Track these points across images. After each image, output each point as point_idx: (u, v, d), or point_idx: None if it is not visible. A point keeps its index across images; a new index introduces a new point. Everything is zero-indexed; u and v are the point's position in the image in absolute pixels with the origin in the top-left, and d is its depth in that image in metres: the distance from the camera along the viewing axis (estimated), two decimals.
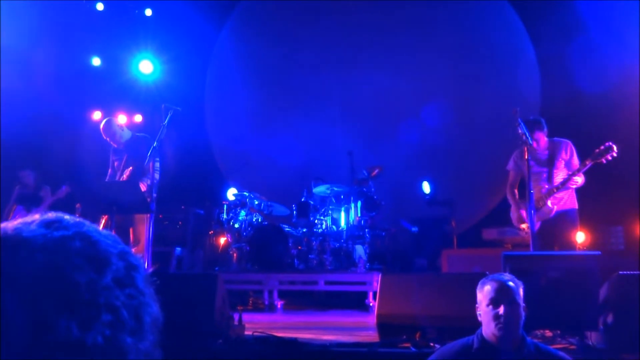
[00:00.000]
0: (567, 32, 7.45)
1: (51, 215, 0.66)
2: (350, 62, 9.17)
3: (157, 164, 5.40)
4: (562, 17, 7.53)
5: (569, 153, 5.14)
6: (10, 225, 0.63)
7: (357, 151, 7.59)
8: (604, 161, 4.75)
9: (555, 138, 5.23)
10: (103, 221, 5.13)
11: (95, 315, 0.59)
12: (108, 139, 5.60)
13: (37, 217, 0.66)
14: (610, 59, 6.92)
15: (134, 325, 0.62)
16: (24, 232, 0.62)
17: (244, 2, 9.60)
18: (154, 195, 5.22)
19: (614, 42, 6.99)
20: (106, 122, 5.67)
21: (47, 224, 0.64)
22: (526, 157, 4.79)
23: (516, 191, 5.42)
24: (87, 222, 0.67)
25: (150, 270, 4.93)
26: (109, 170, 5.67)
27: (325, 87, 9.18)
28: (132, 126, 8.82)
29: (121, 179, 5.32)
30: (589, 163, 4.81)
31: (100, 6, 8.49)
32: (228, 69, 9.65)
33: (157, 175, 5.38)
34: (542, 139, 5.13)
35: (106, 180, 5.55)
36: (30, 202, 6.66)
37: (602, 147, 4.73)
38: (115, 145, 5.57)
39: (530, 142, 4.83)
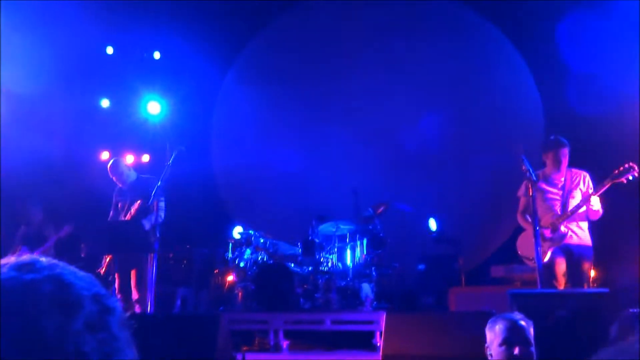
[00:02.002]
0: (565, 59, 7.50)
1: (25, 257, 0.65)
2: (353, 99, 9.28)
3: (162, 204, 5.45)
4: (559, 45, 7.59)
5: (586, 185, 5.06)
6: None
7: (362, 188, 7.59)
8: (625, 181, 4.67)
9: (574, 168, 5.18)
10: (107, 260, 5.13)
11: None
12: (115, 178, 5.67)
13: (11, 259, 0.65)
14: (610, 84, 6.92)
15: None
16: None
17: (250, 45, 9.81)
18: (158, 235, 5.25)
19: (614, 68, 6.99)
20: (114, 162, 5.75)
21: (19, 267, 0.63)
22: (530, 193, 4.76)
23: (528, 217, 5.29)
24: (62, 264, 0.66)
25: (135, 312, 4.90)
26: (111, 212, 5.71)
27: (329, 125, 9.27)
28: (139, 166, 8.92)
29: (126, 218, 5.35)
30: (607, 183, 4.72)
31: (110, 50, 8.71)
32: (234, 108, 9.79)
33: (162, 215, 5.43)
34: (565, 159, 5.03)
35: (108, 220, 5.58)
36: (35, 242, 6.68)
37: (622, 168, 4.67)
38: (121, 185, 5.62)
39: (535, 178, 4.81)
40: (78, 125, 8.25)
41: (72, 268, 0.66)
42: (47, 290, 0.61)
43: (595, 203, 4.81)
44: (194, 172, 8.55)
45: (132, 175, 5.74)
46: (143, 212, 5.37)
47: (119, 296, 5.25)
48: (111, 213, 5.70)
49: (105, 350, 0.61)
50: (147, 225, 5.32)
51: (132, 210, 5.31)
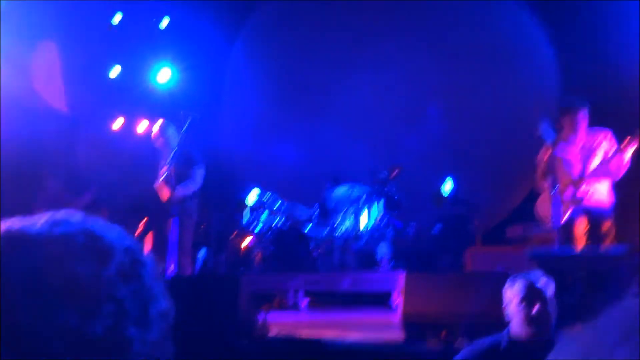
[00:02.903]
0: (587, 24, 7.32)
1: (59, 214, 0.67)
2: (367, 62, 9.14)
3: (200, 171, 5.54)
4: (582, 11, 7.40)
5: (609, 142, 4.99)
6: (16, 222, 0.64)
7: (377, 150, 7.56)
8: None
9: (595, 127, 5.08)
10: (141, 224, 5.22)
11: (96, 305, 0.59)
12: (159, 142, 5.67)
13: (45, 216, 0.66)
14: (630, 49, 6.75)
15: (138, 316, 0.62)
16: (27, 229, 0.63)
17: (258, 11, 9.67)
18: (195, 201, 5.39)
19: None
20: (161, 125, 5.75)
21: (52, 223, 0.64)
22: (549, 155, 4.70)
23: (546, 180, 5.19)
24: (95, 220, 0.67)
25: (173, 272, 4.99)
26: (155, 177, 5.70)
27: (342, 87, 9.17)
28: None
29: (161, 183, 5.39)
30: (629, 140, 4.63)
31: (118, 17, 8.62)
32: (244, 73, 9.71)
33: (198, 182, 5.51)
34: (584, 121, 4.92)
35: (155, 186, 5.61)
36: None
37: None
38: (162, 150, 5.59)
39: (553, 140, 4.74)
40: (90, 94, 8.25)
41: (104, 222, 0.67)
42: (81, 241, 0.62)
43: (626, 157, 4.69)
44: (209, 137, 8.56)
45: (175, 142, 5.77)
46: (179, 178, 5.44)
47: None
48: (158, 180, 5.69)
49: (139, 297, 0.63)
50: (181, 191, 5.42)
51: (163, 175, 5.34)
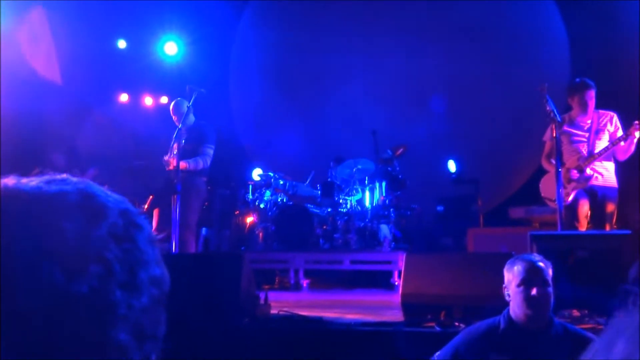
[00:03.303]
0: (597, 11, 7.22)
1: (63, 175, 0.65)
2: (373, 41, 9.05)
3: (210, 150, 5.55)
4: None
5: (614, 125, 4.96)
6: (12, 180, 0.63)
7: (381, 130, 7.53)
8: None
9: (601, 109, 5.06)
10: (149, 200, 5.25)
11: (83, 264, 0.57)
12: (175, 118, 5.66)
13: (45, 176, 0.65)
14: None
15: (126, 279, 0.60)
16: (23, 185, 0.62)
17: None
18: (204, 179, 5.47)
19: None
20: (176, 102, 5.74)
21: (49, 181, 0.63)
22: (554, 134, 4.67)
23: (553, 161, 5.19)
24: (93, 183, 0.65)
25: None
26: (168, 153, 5.70)
27: (348, 67, 9.10)
28: (158, 107, 8.93)
29: (171, 161, 5.40)
30: (637, 124, 4.59)
31: None
32: (251, 49, 9.63)
33: (208, 160, 5.55)
34: (592, 101, 4.93)
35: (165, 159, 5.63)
36: None
37: None
38: (180, 126, 5.58)
39: (559, 118, 4.71)
40: (95, 67, 8.21)
41: (100, 187, 0.66)
42: (74, 199, 0.61)
43: (635, 140, 4.67)
44: (213, 114, 8.54)
45: (191, 119, 5.75)
46: (190, 154, 5.44)
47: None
48: (168, 154, 5.70)
49: (129, 260, 0.61)
50: (191, 166, 5.43)
51: (174, 151, 5.34)
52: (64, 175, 0.66)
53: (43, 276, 0.55)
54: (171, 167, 5.36)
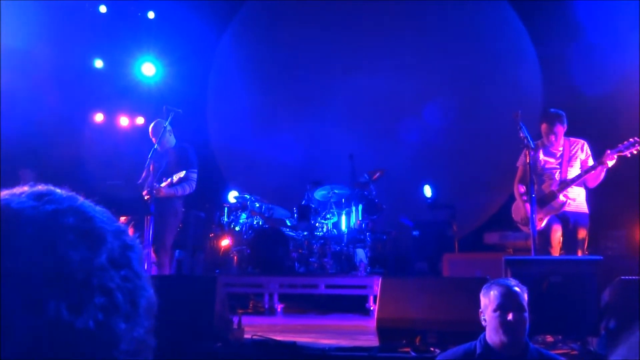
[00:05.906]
0: (568, 31, 7.47)
1: (42, 187, 0.61)
2: (351, 64, 9.16)
3: (194, 175, 5.48)
4: (563, 17, 7.54)
5: (585, 153, 5.08)
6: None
7: (358, 154, 7.57)
8: (629, 154, 4.69)
9: (572, 137, 5.18)
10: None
11: (88, 297, 0.53)
12: (154, 139, 5.58)
13: (26, 188, 0.60)
14: (611, 59, 6.93)
15: (128, 310, 0.57)
16: (12, 203, 0.57)
17: (246, 6, 9.60)
18: (181, 203, 5.48)
19: (615, 42, 6.99)
20: (156, 123, 5.66)
21: (37, 196, 0.59)
22: (527, 160, 4.76)
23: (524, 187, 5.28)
24: (79, 197, 0.62)
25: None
26: (144, 173, 5.64)
27: (326, 89, 9.18)
28: (133, 129, 8.84)
29: (159, 185, 5.31)
30: (610, 153, 4.72)
31: (103, 8, 8.50)
32: (230, 71, 9.65)
33: (193, 185, 5.48)
34: (560, 133, 5.05)
35: (139, 182, 5.55)
36: None
37: (626, 142, 4.69)
38: (159, 149, 5.51)
39: (533, 145, 4.80)
40: (71, 86, 8.11)
41: (88, 202, 0.62)
42: (71, 222, 0.57)
43: (605, 168, 4.78)
44: (190, 135, 8.48)
45: (172, 141, 5.67)
46: (167, 175, 5.39)
47: None
48: (144, 174, 5.62)
49: (129, 287, 0.58)
50: (179, 192, 5.38)
51: (175, 178, 5.26)
52: (46, 187, 0.62)
53: (49, 313, 0.51)
54: (162, 194, 5.28)
